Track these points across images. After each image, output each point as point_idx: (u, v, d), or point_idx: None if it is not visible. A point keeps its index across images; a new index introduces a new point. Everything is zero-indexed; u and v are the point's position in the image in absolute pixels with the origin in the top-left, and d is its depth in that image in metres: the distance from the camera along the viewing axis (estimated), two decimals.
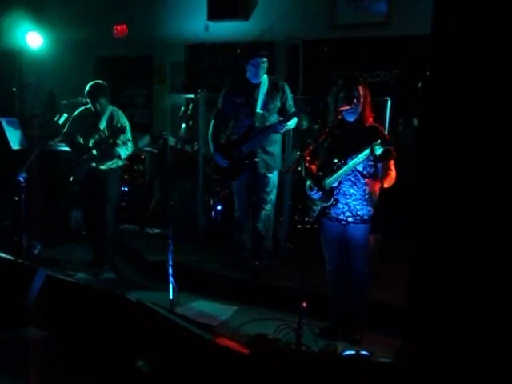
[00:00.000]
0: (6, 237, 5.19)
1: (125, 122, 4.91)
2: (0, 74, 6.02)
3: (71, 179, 5.14)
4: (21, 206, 4.56)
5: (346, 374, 2.66)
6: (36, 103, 7.18)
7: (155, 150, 6.47)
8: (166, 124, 6.44)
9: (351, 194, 3.51)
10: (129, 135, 4.92)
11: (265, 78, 4.52)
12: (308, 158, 3.60)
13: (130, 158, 5.42)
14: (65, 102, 4.78)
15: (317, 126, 5.25)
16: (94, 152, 4.82)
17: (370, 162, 3.46)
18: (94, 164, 4.86)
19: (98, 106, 4.86)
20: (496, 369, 1.62)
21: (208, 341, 2.80)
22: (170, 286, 3.85)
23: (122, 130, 4.75)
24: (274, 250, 5.01)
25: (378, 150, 3.28)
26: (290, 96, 4.58)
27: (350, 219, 3.53)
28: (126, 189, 6.40)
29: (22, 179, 4.47)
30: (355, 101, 3.46)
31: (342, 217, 3.55)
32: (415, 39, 5.46)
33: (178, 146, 5.62)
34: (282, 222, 5.23)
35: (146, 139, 6.55)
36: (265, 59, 4.40)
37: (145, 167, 6.54)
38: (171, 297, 3.84)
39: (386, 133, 3.63)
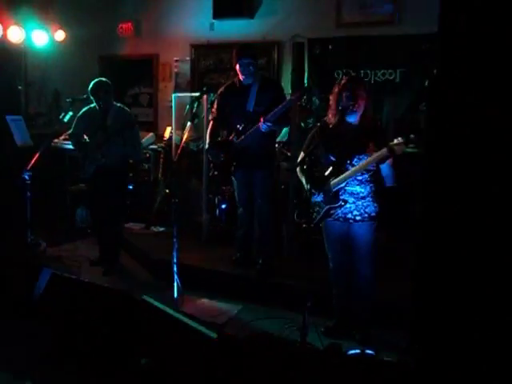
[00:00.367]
0: (11, 235, 5.20)
1: (132, 118, 4.92)
2: (5, 72, 6.03)
3: (80, 177, 5.17)
4: (26, 204, 4.57)
5: (351, 373, 2.65)
6: (41, 101, 7.19)
7: (160, 149, 6.48)
8: (171, 122, 6.43)
9: (358, 192, 3.50)
10: (137, 131, 4.94)
11: (257, 77, 4.53)
12: (306, 159, 3.59)
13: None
14: (69, 99, 4.78)
15: (319, 124, 5.23)
16: (102, 149, 4.84)
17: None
18: (102, 161, 4.88)
19: (101, 104, 4.87)
20: (500, 368, 1.62)
21: (213, 339, 2.80)
22: (175, 284, 3.86)
23: (130, 125, 4.77)
24: (279, 248, 5.03)
25: (401, 150, 3.23)
26: (283, 94, 4.57)
27: (358, 218, 3.53)
28: (131, 187, 6.41)
29: (26, 177, 4.48)
30: (359, 100, 3.45)
31: (349, 216, 3.54)
32: (420, 38, 5.45)
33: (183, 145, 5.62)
34: (286, 221, 5.22)
35: (151, 138, 6.57)
36: (251, 59, 4.41)
37: (149, 165, 6.56)
38: (176, 295, 3.85)
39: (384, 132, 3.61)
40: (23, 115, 6.41)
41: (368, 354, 3.24)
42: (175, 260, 3.86)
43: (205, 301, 4.43)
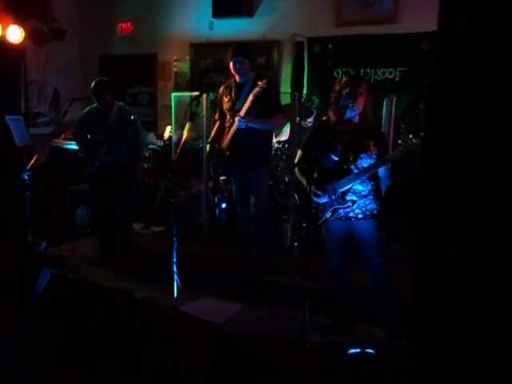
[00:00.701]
0: (11, 234, 5.20)
1: (133, 116, 4.94)
2: (4, 71, 6.02)
3: (83, 177, 5.20)
4: (26, 204, 4.57)
5: (351, 372, 2.65)
6: (40, 101, 7.19)
7: (159, 148, 6.48)
8: (171, 122, 6.44)
9: (360, 191, 3.49)
10: (139, 128, 4.96)
11: (252, 76, 4.55)
12: (306, 158, 3.58)
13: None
14: (69, 99, 4.78)
15: (318, 123, 5.23)
16: (104, 149, 4.85)
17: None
18: (104, 160, 4.89)
19: (103, 102, 4.88)
20: (500, 368, 1.61)
21: (213, 338, 2.80)
22: (175, 283, 3.85)
23: (132, 123, 4.78)
24: (280, 246, 5.04)
25: (418, 153, 3.18)
26: (275, 93, 4.58)
27: (360, 216, 3.51)
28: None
29: (26, 177, 4.48)
30: (358, 99, 3.45)
31: (351, 214, 3.53)
32: (421, 36, 5.45)
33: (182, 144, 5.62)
34: (286, 220, 5.22)
35: (150, 137, 6.56)
36: (243, 58, 4.45)
37: (149, 165, 6.55)
38: (176, 294, 3.84)
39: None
40: (23, 115, 6.41)
41: (368, 353, 3.24)
42: (175, 259, 3.85)
43: (205, 300, 4.43)
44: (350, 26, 5.97)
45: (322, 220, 3.61)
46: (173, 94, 6.41)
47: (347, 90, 3.46)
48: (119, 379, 3.05)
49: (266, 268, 4.72)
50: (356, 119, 3.51)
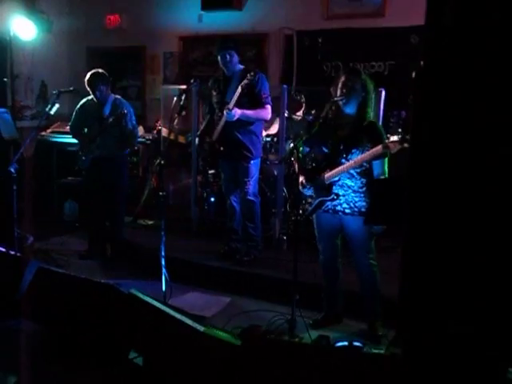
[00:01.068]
0: None
1: (128, 108, 4.91)
2: None
3: (76, 168, 5.18)
4: (12, 197, 4.52)
5: (339, 365, 2.65)
6: (28, 94, 7.12)
7: (148, 142, 6.45)
8: (160, 115, 6.40)
9: (349, 186, 3.47)
10: (133, 120, 4.94)
11: (239, 69, 4.59)
12: (300, 149, 3.57)
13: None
14: (55, 92, 4.73)
15: (311, 117, 5.23)
16: (97, 141, 4.83)
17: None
18: (96, 153, 4.88)
19: (98, 94, 4.88)
20: (489, 360, 1.62)
21: (201, 333, 2.79)
22: (163, 277, 3.84)
23: (125, 115, 4.76)
24: (268, 240, 5.04)
25: (395, 149, 3.19)
26: (263, 86, 4.56)
27: (347, 211, 3.50)
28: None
29: (13, 170, 4.42)
30: (350, 92, 3.44)
31: (338, 208, 3.52)
32: (410, 30, 5.45)
33: (171, 137, 5.62)
34: (275, 213, 5.22)
35: (140, 131, 6.52)
36: (230, 51, 4.49)
37: (138, 158, 6.52)
38: (164, 288, 3.83)
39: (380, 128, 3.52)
40: (10, 108, 6.34)
41: (356, 346, 3.25)
42: (163, 253, 3.84)
43: (193, 294, 4.43)
44: (339, 19, 5.96)
45: (309, 212, 3.61)
46: (162, 88, 6.38)
47: (341, 84, 3.47)
48: (107, 373, 3.04)
49: (255, 262, 4.73)
50: (353, 114, 3.49)
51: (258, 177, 4.84)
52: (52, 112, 4.65)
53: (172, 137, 5.98)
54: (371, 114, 3.55)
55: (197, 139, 5.06)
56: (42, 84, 7.26)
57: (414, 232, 1.74)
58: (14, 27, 6.17)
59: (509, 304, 1.52)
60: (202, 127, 4.92)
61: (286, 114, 5.21)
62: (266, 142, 5.46)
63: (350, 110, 3.49)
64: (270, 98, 4.59)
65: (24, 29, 6.25)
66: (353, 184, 3.47)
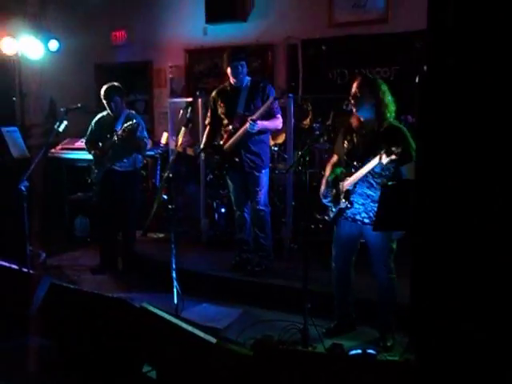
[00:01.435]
0: (10, 246, 5.20)
1: (140, 122, 4.95)
2: (0, 84, 6.04)
3: (89, 181, 5.22)
4: (24, 215, 4.56)
5: (353, 373, 2.63)
6: (37, 112, 7.19)
7: (157, 155, 6.47)
8: (167, 128, 6.43)
9: (368, 195, 3.44)
10: (144, 133, 4.98)
11: (248, 80, 4.59)
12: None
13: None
14: (63, 109, 4.77)
15: (317, 125, 5.23)
16: (109, 154, 4.87)
17: (388, 165, 3.28)
18: (108, 166, 4.91)
19: (113, 106, 4.94)
20: (502, 365, 1.60)
21: (213, 345, 2.78)
22: (175, 290, 3.84)
23: (138, 126, 4.78)
24: (279, 250, 5.03)
25: (385, 160, 3.13)
26: (272, 94, 4.57)
27: (366, 220, 3.48)
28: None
29: (23, 188, 4.46)
30: (357, 99, 3.42)
31: (358, 217, 3.51)
32: (414, 35, 5.43)
33: (179, 150, 5.61)
34: (285, 223, 5.21)
35: (148, 144, 6.55)
36: (242, 62, 4.51)
37: (147, 172, 6.54)
38: (176, 301, 3.83)
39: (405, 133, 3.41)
40: (19, 126, 6.40)
41: (370, 353, 3.22)
42: (174, 265, 3.84)
43: (205, 305, 4.42)
44: (343, 27, 5.97)
45: (331, 218, 3.63)
46: (168, 101, 6.41)
47: (351, 91, 3.47)
48: None
49: (266, 272, 4.71)
50: (370, 121, 3.45)
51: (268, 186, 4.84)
52: (61, 129, 4.69)
53: (180, 149, 5.99)
54: (393, 115, 3.46)
55: (201, 153, 5.05)
56: (50, 102, 7.32)
57: (424, 237, 1.73)
58: (21, 47, 6.25)
59: None
60: (203, 139, 4.90)
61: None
62: (274, 151, 5.46)
63: (367, 116, 3.46)
64: (279, 108, 4.62)
65: (32, 48, 6.33)
66: (372, 193, 3.43)
